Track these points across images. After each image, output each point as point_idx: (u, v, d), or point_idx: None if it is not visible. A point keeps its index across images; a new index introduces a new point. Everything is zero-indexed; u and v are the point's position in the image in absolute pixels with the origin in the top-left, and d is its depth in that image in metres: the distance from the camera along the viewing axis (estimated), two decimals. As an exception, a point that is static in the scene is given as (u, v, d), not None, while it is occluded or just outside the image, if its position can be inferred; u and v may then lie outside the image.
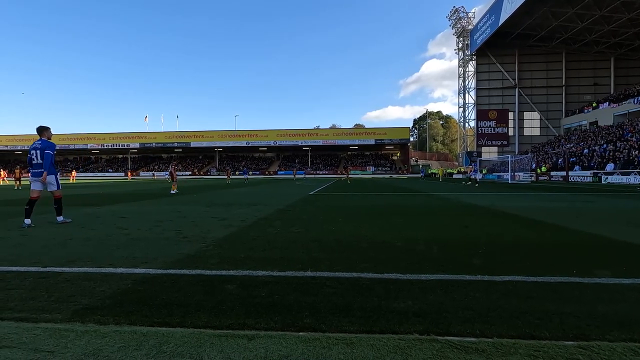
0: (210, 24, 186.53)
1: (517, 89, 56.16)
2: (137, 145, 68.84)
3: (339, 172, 64.35)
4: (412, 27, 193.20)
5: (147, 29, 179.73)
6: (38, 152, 5.75)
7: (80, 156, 77.13)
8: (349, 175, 36.23)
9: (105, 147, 70.02)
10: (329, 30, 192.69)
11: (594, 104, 48.28)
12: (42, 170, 5.73)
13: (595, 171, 30.69)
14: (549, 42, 51.01)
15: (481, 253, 3.78)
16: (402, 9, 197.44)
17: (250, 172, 65.42)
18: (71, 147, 70.10)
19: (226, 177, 36.13)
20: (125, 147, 69.34)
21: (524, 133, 56.86)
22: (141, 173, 66.68)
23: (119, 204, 10.00)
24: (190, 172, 67.12)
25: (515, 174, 34.49)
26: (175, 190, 16.05)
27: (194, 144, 68.10)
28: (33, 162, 5.77)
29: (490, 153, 57.00)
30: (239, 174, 57.36)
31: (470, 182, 24.25)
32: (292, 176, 48.09)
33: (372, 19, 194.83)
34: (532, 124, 56.89)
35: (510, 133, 56.69)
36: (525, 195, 13.41)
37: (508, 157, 34.69)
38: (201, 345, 1.76)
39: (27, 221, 5.67)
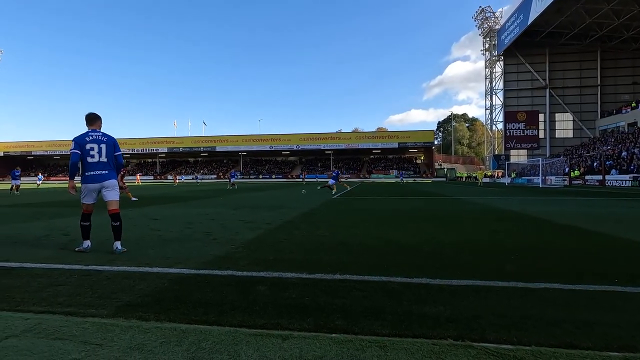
0: (234, 30, 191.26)
1: (547, 90, 53.99)
2: (166, 150, 71.14)
3: (362, 175, 64.02)
4: (434, 31, 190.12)
5: (175, 38, 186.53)
6: (104, 146, 4.14)
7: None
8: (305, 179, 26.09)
9: (135, 152, 72.86)
10: (350, 34, 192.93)
11: (633, 104, 45.64)
12: (108, 171, 4.17)
13: (635, 175, 28.96)
14: (583, 40, 48.81)
15: (513, 259, 3.67)
16: (423, 13, 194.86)
17: (274, 176, 66.22)
18: (104, 151, 73.40)
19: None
20: (154, 151, 71.88)
21: (556, 135, 54.49)
22: (169, 177, 68.85)
23: (149, 207, 10.40)
24: (215, 176, 68.69)
25: (547, 177, 33.13)
26: (131, 197, 13.37)
27: (219, 148, 69.63)
28: (90, 160, 4.07)
29: (519, 156, 54.98)
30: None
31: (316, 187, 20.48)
32: (301, 180, 46.52)
33: (393, 23, 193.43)
34: (565, 125, 54.45)
35: (541, 135, 54.48)
36: (559, 200, 12.87)
37: (539, 160, 33.40)
38: (238, 344, 1.82)
39: (87, 243, 4.22)
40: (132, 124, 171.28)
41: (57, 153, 73.95)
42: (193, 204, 11.57)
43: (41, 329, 2.00)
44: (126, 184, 14.02)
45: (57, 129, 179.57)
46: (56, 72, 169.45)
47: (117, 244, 4.14)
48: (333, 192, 17.71)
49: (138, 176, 46.12)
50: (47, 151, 74.65)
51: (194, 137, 72.01)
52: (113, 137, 4.31)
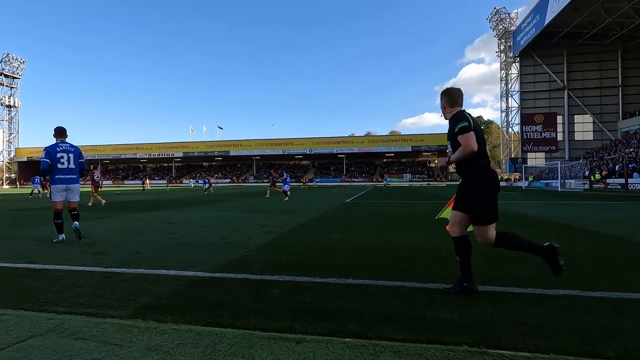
0: (249, 36, 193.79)
1: (566, 91, 52.68)
2: (181, 155, 72.45)
3: (375, 179, 63.66)
4: (447, 34, 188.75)
5: (193, 50, 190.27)
6: (72, 155, 5.08)
7: (130, 165, 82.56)
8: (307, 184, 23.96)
9: (152, 157, 74.40)
10: (362, 38, 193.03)
11: (657, 105, 44.08)
12: (75, 176, 5.15)
13: (659, 178, 27.90)
14: (603, 39, 47.50)
15: (531, 265, 3.59)
16: (436, 17, 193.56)
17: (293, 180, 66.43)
18: (122, 156, 75.25)
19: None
20: (170, 156, 73.25)
21: (575, 138, 53.03)
22: (184, 181, 70.02)
23: (165, 210, 10.60)
24: (229, 180, 69.48)
25: (566, 181, 32.24)
26: (92, 202, 12.52)
27: (233, 152, 70.47)
28: (60, 166, 4.97)
29: (536, 159, 53.68)
30: (194, 184, 51.92)
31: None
32: (302, 185, 45.78)
33: (406, 28, 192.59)
34: (584, 127, 52.95)
35: (559, 138, 53.12)
36: (579, 204, 12.51)
37: (557, 163, 32.55)
38: (252, 346, 1.84)
39: (62, 236, 5.06)
40: (150, 130, 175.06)
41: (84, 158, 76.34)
42: (208, 207, 11.74)
43: (63, 329, 2.07)
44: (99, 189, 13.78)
45: (79, 135, 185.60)
46: (77, 83, 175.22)
47: (76, 223, 5.14)
48: (285, 198, 16.28)
49: (147, 180, 46.81)
50: (68, 156, 76.90)
51: (208, 141, 73.09)
52: (78, 148, 5.24)
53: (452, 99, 2.82)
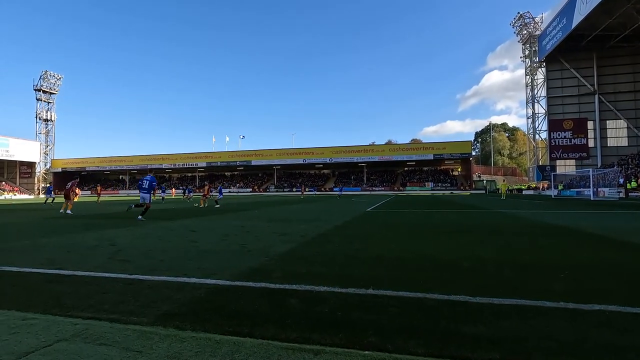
0: (270, 46, 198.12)
1: (596, 96, 50.51)
2: (204, 164, 74.33)
3: (396, 187, 62.87)
4: (469, 41, 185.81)
5: (215, 64, 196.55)
6: (147, 182, 10.72)
7: (156, 174, 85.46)
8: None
9: (176, 167, 76.76)
10: (382, 46, 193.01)
11: (698, 108, 41.45)
12: (147, 191, 10.70)
13: None
14: (635, 41, 45.40)
15: (563, 277, 3.41)
16: (457, 23, 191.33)
17: (307, 189, 66.70)
18: (149, 166, 77.87)
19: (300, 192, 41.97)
20: (194, 166, 75.29)
21: (608, 144, 50.54)
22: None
23: (190, 219, 10.83)
24: (250, 189, 70.48)
25: (599, 189, 30.70)
26: (68, 210, 13.48)
27: (254, 162, 71.63)
28: (142, 186, 10.74)
29: (566, 167, 51.49)
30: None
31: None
32: (300, 194, 46.03)
33: (427, 34, 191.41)
34: (618, 133, 50.41)
35: (591, 144, 50.82)
36: (614, 214, 11.84)
37: (589, 170, 31.09)
38: (270, 357, 1.81)
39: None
40: (173, 141, 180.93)
41: (108, 169, 79.75)
42: (230, 216, 11.91)
43: (88, 334, 2.12)
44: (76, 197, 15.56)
45: (111, 146, 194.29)
46: (104, 98, 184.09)
47: (140, 217, 10.16)
48: (216, 205, 19.26)
49: (173, 190, 47.96)
50: (98, 167, 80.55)
51: (230, 151, 74.67)
52: (153, 178, 10.91)
53: None
